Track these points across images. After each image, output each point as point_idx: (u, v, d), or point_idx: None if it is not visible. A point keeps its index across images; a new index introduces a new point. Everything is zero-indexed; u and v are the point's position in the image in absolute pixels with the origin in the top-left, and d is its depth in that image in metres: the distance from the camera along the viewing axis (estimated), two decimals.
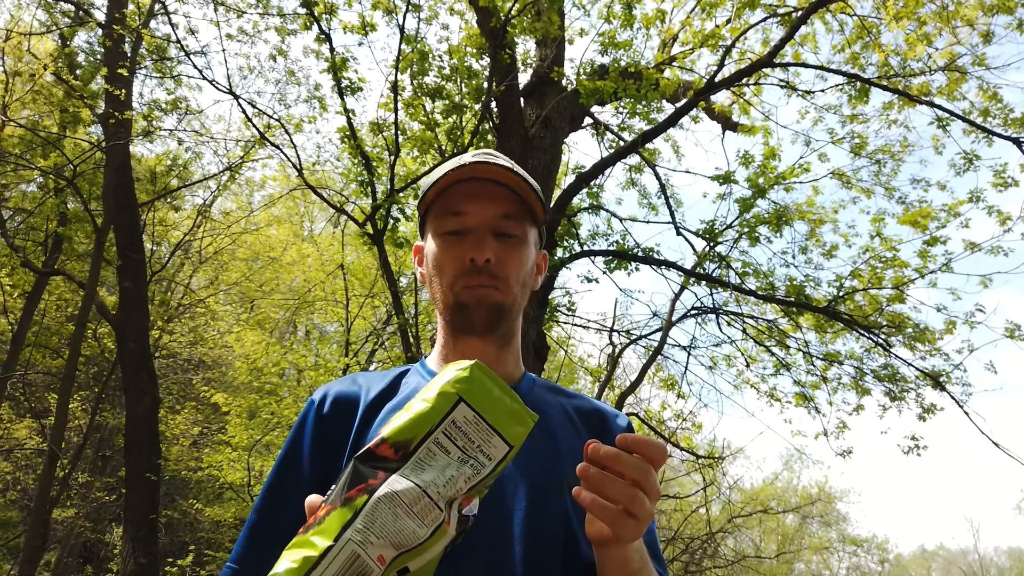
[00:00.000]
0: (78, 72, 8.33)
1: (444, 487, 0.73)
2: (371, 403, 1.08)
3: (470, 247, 1.09)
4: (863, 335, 6.41)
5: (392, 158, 5.31)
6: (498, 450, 0.76)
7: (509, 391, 0.79)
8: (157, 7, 7.32)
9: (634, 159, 7.27)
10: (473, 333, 1.12)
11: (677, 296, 7.20)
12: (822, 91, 6.21)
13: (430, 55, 5.72)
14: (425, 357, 1.24)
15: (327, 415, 1.07)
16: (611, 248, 6.71)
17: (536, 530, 0.98)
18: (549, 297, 5.97)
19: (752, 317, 7.22)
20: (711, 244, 6.48)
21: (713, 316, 7.23)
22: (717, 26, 6.14)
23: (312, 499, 0.78)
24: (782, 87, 6.33)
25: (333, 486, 0.74)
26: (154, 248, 10.64)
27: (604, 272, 6.63)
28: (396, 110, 5.21)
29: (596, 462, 0.81)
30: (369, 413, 1.07)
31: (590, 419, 1.18)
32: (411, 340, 5.37)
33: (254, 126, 5.90)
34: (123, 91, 6.93)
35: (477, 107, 5.73)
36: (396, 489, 0.71)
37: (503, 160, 1.11)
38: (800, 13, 5.33)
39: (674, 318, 7.23)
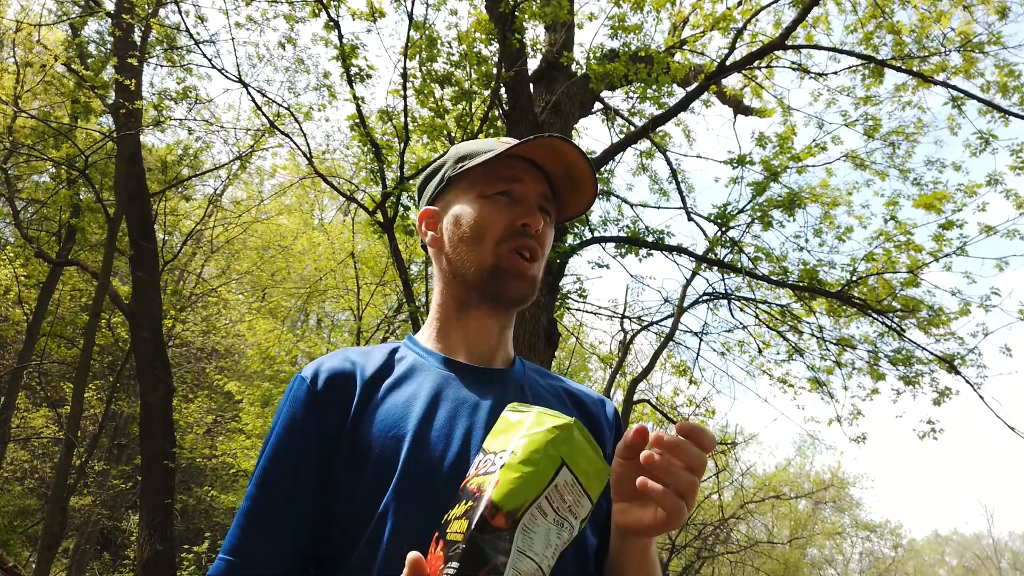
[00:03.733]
0: (88, 62, 8.35)
1: (551, 558, 0.73)
2: (368, 381, 1.05)
3: (524, 212, 1.08)
4: (876, 319, 6.36)
5: (402, 145, 5.30)
6: (584, 509, 0.76)
7: (596, 447, 0.78)
8: None
9: (645, 144, 7.22)
10: (501, 303, 1.10)
11: (689, 282, 7.17)
12: (835, 73, 6.13)
13: (439, 41, 5.69)
14: (413, 333, 1.21)
15: (321, 392, 1.02)
16: (622, 234, 6.67)
17: None
18: (560, 284, 5.95)
19: (765, 302, 7.18)
20: (723, 229, 6.44)
21: (725, 302, 7.20)
22: (728, 8, 6.08)
23: (416, 558, 0.74)
24: (794, 70, 6.26)
25: (452, 564, 0.71)
26: (166, 238, 10.69)
27: (615, 258, 6.61)
28: (405, 97, 5.19)
29: (659, 449, 0.81)
30: (367, 391, 1.03)
31: (579, 401, 1.18)
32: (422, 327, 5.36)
33: (264, 115, 5.90)
34: (133, 81, 6.95)
35: (487, 93, 5.70)
36: (521, 570, 0.70)
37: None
38: None
39: (686, 304, 7.20)
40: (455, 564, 0.71)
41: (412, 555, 0.73)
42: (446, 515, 0.78)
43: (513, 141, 1.10)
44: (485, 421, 1.01)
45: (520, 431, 0.78)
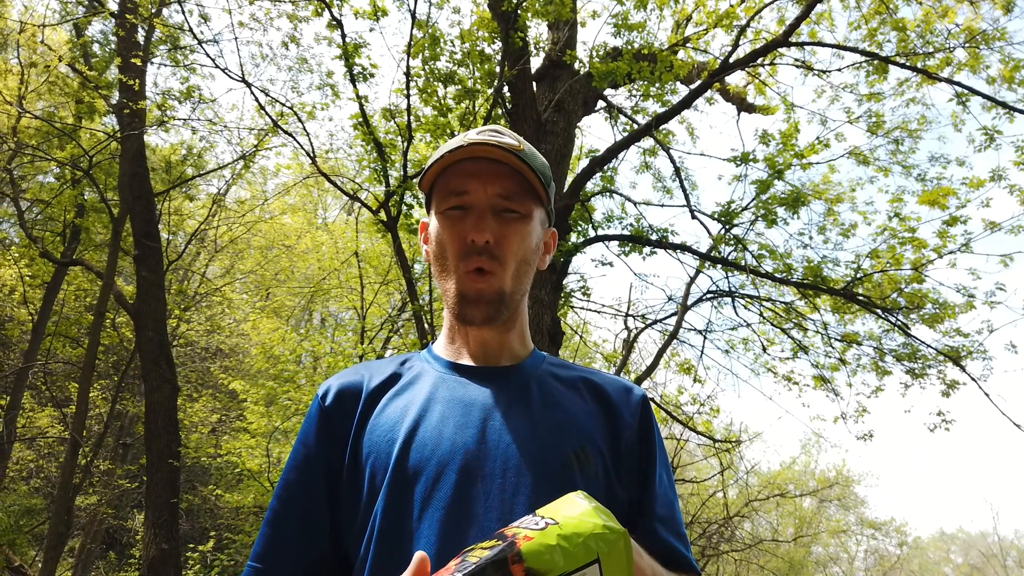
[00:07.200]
0: (92, 62, 8.36)
1: None
2: (372, 392, 1.10)
3: (470, 227, 1.07)
4: (881, 316, 6.35)
5: (405, 144, 5.30)
6: None
7: (632, 571, 0.78)
8: None
9: (648, 142, 7.21)
10: (473, 325, 1.11)
11: (692, 280, 7.15)
12: (839, 70, 6.12)
13: (442, 40, 5.69)
14: (432, 343, 1.23)
15: (330, 408, 1.09)
16: (625, 232, 6.67)
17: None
18: (563, 282, 5.95)
19: (769, 300, 7.16)
20: (727, 227, 6.42)
21: (729, 299, 7.18)
22: (731, 5, 6.06)
23: (422, 556, 0.77)
24: (798, 67, 6.24)
25: (462, 567, 0.72)
26: (170, 237, 10.71)
27: (619, 256, 6.60)
28: (408, 96, 5.19)
29: None
30: (370, 402, 1.09)
31: (599, 389, 1.16)
32: (426, 326, 5.37)
33: (267, 114, 5.90)
34: (137, 81, 6.96)
35: (490, 92, 5.70)
36: None
37: (508, 138, 1.09)
38: None
39: (689, 302, 7.19)
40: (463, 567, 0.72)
41: (419, 553, 0.77)
42: (472, 545, 0.78)
43: (473, 136, 1.09)
44: (479, 418, 1.03)
45: (574, 511, 0.79)
